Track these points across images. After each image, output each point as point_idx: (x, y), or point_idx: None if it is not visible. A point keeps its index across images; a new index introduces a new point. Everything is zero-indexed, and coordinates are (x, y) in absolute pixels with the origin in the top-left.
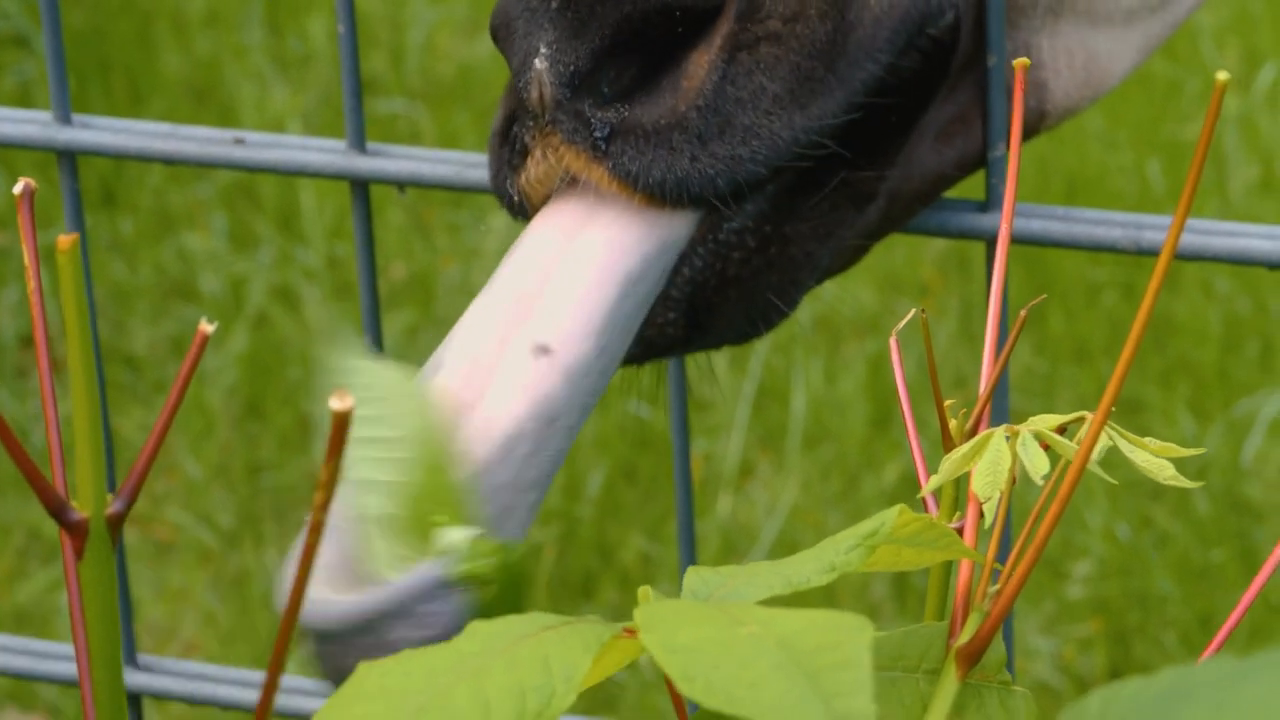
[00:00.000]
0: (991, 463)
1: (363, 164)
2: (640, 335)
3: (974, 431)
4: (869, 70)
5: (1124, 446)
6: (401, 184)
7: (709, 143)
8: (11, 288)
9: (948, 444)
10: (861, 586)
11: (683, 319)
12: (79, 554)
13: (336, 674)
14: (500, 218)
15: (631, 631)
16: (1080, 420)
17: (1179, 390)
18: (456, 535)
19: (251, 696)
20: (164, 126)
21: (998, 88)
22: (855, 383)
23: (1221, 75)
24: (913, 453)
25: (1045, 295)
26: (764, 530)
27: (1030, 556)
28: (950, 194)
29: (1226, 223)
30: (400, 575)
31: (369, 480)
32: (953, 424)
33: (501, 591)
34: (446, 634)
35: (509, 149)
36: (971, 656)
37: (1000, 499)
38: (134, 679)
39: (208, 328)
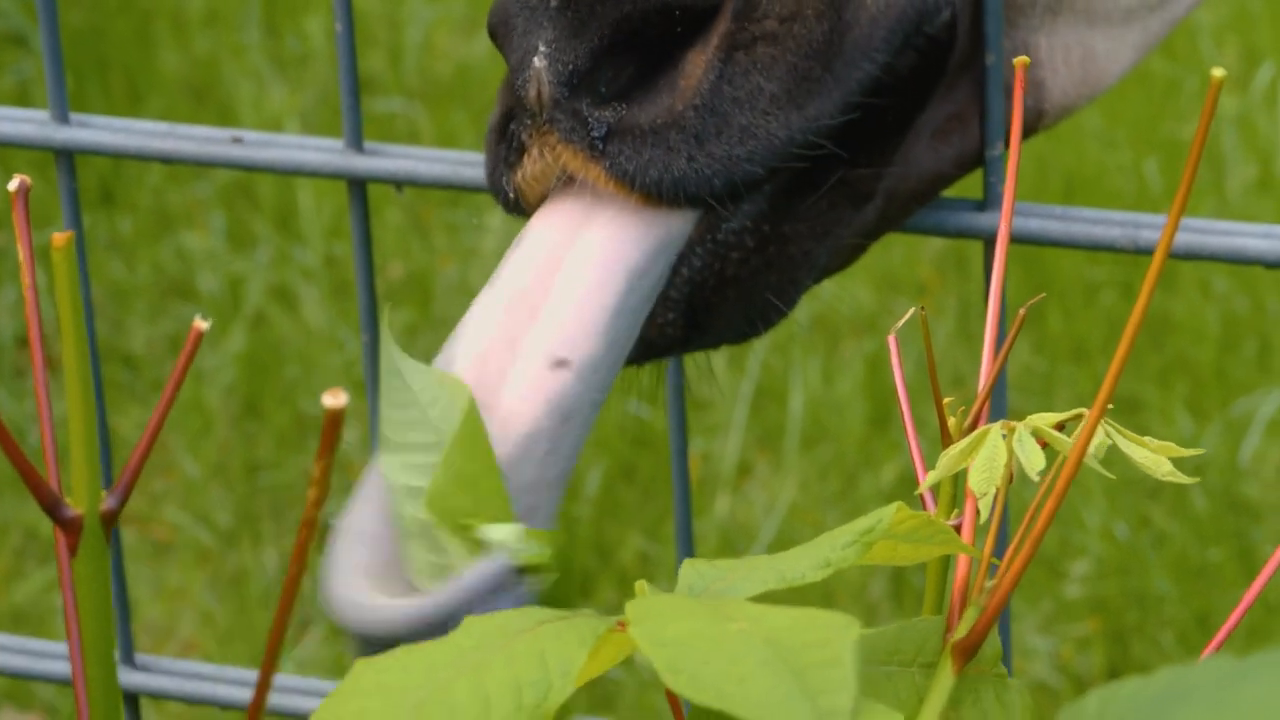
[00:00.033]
0: (988, 458)
1: (360, 163)
2: (639, 335)
3: (972, 430)
4: (866, 70)
5: (1122, 443)
6: (399, 183)
7: (706, 143)
8: (8, 287)
9: (946, 443)
10: (859, 585)
11: (681, 319)
12: (73, 550)
13: None
14: (496, 217)
15: (625, 625)
16: (1078, 418)
17: (1177, 390)
18: (502, 531)
19: (249, 696)
20: (162, 126)
21: (995, 86)
22: (853, 382)
23: (1217, 72)
24: (911, 452)
25: (1044, 294)
26: (762, 530)
27: (1027, 550)
28: (948, 193)
29: (1224, 222)
30: (460, 575)
31: (408, 486)
32: (951, 422)
33: (559, 579)
34: None
35: (506, 146)
36: (968, 650)
37: (996, 494)
38: (131, 678)
39: (202, 325)
